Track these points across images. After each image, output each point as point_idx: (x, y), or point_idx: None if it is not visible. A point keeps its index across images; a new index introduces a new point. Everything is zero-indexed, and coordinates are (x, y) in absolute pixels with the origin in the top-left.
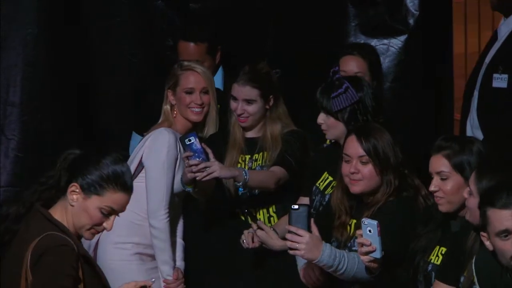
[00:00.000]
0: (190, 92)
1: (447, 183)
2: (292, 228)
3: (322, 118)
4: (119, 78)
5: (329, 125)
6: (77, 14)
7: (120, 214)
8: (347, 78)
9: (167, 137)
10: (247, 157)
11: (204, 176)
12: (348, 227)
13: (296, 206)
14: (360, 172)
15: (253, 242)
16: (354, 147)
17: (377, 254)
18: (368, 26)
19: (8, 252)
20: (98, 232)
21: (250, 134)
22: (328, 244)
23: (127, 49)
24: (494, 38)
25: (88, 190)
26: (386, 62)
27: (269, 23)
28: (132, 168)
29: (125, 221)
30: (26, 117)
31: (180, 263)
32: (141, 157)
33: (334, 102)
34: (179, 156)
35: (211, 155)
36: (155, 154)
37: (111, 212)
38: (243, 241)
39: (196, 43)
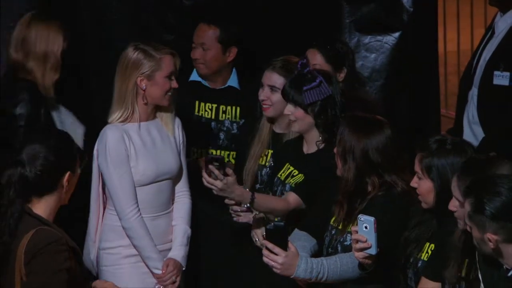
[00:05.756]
0: (170, 76)
1: None
2: (269, 245)
3: (290, 109)
4: (111, 74)
5: (297, 117)
6: (71, 11)
7: (105, 219)
8: (319, 72)
9: (108, 136)
10: (270, 151)
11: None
12: (342, 221)
13: (271, 225)
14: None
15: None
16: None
17: (373, 251)
18: (362, 23)
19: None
20: None
21: (278, 129)
22: (304, 258)
23: (120, 45)
24: (491, 33)
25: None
26: (380, 59)
27: (263, 20)
28: (96, 172)
29: (110, 225)
30: None
31: (177, 252)
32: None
33: (307, 95)
34: (132, 148)
35: (229, 172)
36: (101, 157)
37: None
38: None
39: (209, 25)
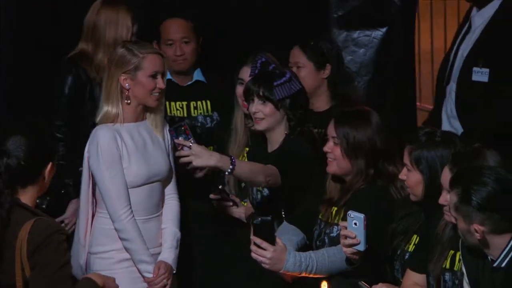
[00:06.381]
0: (154, 76)
1: None
2: (257, 241)
3: (258, 107)
4: None
5: (267, 114)
6: (53, 5)
7: (95, 222)
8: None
9: (100, 136)
10: (247, 149)
11: (184, 164)
12: (330, 214)
13: (258, 220)
14: (332, 152)
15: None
16: (331, 127)
17: (361, 247)
18: (350, 18)
19: None
20: None
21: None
22: (292, 252)
23: None
24: (467, 28)
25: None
26: (368, 54)
27: (249, 14)
28: (87, 174)
29: (103, 229)
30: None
31: (167, 255)
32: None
33: (278, 90)
34: (124, 149)
35: (192, 140)
36: (93, 158)
37: None
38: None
39: (185, 19)
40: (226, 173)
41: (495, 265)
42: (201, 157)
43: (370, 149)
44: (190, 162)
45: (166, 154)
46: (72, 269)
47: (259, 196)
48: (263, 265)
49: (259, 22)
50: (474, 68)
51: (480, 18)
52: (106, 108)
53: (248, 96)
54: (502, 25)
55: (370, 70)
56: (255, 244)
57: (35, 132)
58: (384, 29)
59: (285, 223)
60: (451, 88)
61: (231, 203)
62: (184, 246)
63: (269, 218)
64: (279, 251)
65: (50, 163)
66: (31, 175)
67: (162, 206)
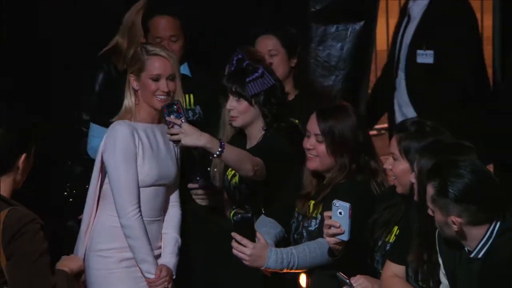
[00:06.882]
0: (156, 79)
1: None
2: (237, 237)
3: (232, 104)
4: (78, 71)
5: (241, 111)
6: (35, 6)
7: (98, 219)
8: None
9: (118, 130)
10: None
11: (174, 141)
12: (307, 208)
13: (238, 216)
14: (315, 149)
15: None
16: (312, 124)
17: (345, 237)
18: (328, 12)
19: None
20: None
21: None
22: (274, 249)
23: (88, 41)
24: (407, 20)
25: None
26: (346, 47)
27: (229, 8)
28: (98, 168)
29: (105, 226)
30: None
31: (168, 259)
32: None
33: (250, 86)
34: (140, 147)
35: (183, 119)
36: (109, 151)
37: None
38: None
39: (174, 17)
40: (215, 155)
41: (472, 256)
42: (190, 135)
43: (353, 144)
44: (180, 141)
45: (175, 160)
46: (49, 259)
47: (236, 193)
48: (243, 261)
49: (236, 16)
50: (418, 51)
51: (417, 7)
52: (125, 104)
53: (225, 94)
54: (439, 9)
55: (347, 64)
56: (236, 241)
57: (9, 122)
58: (361, 23)
59: (263, 216)
60: (400, 78)
61: (210, 191)
62: (184, 246)
63: (249, 215)
64: (260, 248)
65: (25, 154)
66: (4, 165)
67: (164, 213)
